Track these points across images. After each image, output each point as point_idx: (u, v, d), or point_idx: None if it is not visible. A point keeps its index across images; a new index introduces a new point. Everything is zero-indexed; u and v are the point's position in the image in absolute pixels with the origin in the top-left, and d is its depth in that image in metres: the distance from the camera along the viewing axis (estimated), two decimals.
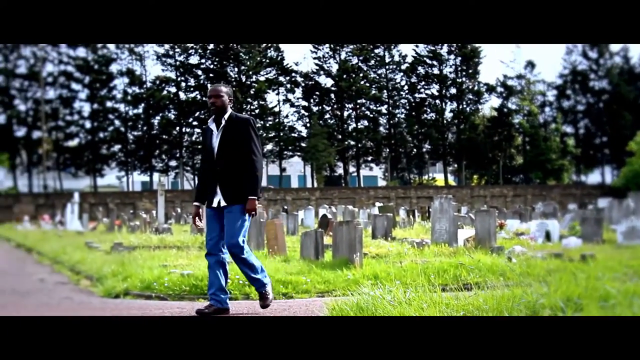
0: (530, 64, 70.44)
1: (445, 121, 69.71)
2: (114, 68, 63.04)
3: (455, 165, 72.20)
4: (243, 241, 7.75)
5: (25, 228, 39.61)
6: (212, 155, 7.79)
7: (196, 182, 9.33)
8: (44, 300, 10.90)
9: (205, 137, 7.99)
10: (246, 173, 7.71)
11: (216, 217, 7.82)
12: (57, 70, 61.89)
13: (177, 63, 63.22)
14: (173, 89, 63.24)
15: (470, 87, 69.05)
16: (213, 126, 7.86)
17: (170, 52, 63.03)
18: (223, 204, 7.73)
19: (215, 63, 64.08)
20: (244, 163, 7.72)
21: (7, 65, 60.12)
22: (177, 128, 63.39)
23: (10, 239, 31.62)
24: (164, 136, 62.02)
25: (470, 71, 68.59)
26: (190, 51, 63.47)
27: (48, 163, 61.20)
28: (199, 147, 43.86)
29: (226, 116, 7.81)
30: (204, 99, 63.57)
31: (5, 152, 61.52)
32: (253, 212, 7.78)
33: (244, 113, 63.01)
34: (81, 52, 61.83)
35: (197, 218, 8.03)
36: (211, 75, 63.95)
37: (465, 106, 69.51)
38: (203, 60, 64.50)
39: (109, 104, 62.72)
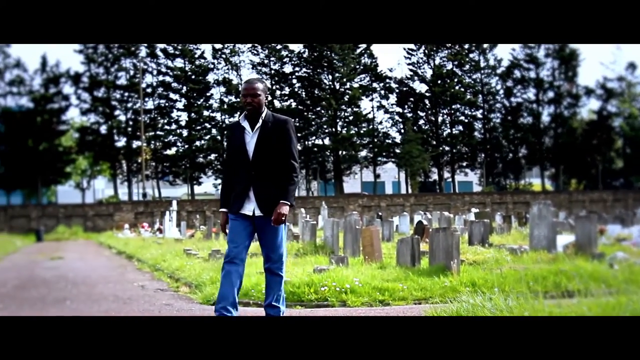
0: (632, 66, 68.68)
1: (542, 125, 68.53)
2: (210, 77, 63.74)
3: (553, 170, 70.91)
4: (285, 255, 7.30)
5: (126, 235, 40.24)
6: (245, 157, 7.12)
7: (221, 186, 7.81)
8: (145, 307, 11.01)
9: (233, 136, 7.28)
10: (284, 179, 7.09)
11: (245, 225, 7.16)
12: (155, 80, 62.98)
13: (272, 72, 63.60)
14: (268, 97, 63.54)
15: (568, 90, 67.69)
16: (246, 125, 7.18)
17: (265, 61, 63.48)
18: (258, 213, 7.10)
19: (310, 71, 64.24)
20: (283, 168, 7.11)
21: (108, 77, 61.39)
22: None
23: (112, 246, 32.17)
24: None
25: (569, 74, 67.24)
26: (284, 60, 63.83)
27: (147, 172, 62.22)
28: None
29: (264, 115, 7.17)
30: (298, 106, 63.98)
31: (107, 161, 62.85)
32: (283, 218, 7.04)
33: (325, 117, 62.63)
34: (179, 62, 62.78)
35: (227, 227, 7.30)
36: (305, 83, 64.17)
37: (563, 110, 68.17)
38: (297, 69, 64.73)
39: (205, 112, 63.40)
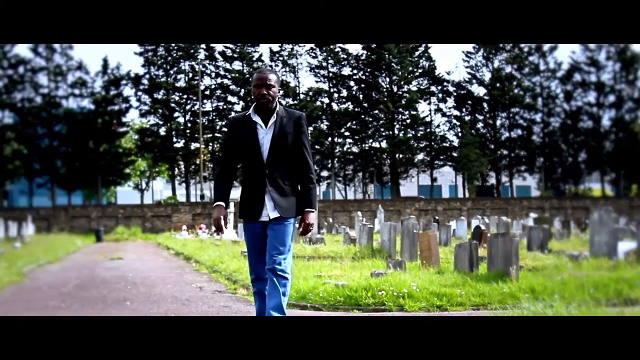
0: None
1: (602, 129, 67.45)
2: None
3: (613, 175, 69.70)
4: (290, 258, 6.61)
5: (184, 237, 40.54)
6: (258, 156, 6.52)
7: (215, 179, 6.93)
8: (204, 308, 11.11)
9: (242, 132, 6.62)
10: (304, 181, 6.63)
11: (262, 233, 6.58)
12: (214, 83, 63.49)
13: (330, 74, 63.66)
14: (326, 100, 63.68)
15: (630, 93, 66.51)
16: (258, 119, 6.57)
17: (323, 64, 63.58)
18: (274, 215, 6.50)
19: (367, 74, 64.18)
20: (301, 168, 6.62)
21: (167, 80, 62.11)
22: (329, 139, 63.78)
23: (170, 247, 32.46)
24: (316, 147, 62.45)
25: (630, 77, 66.09)
26: (342, 62, 63.86)
27: (205, 173, 62.76)
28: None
29: (278, 109, 6.59)
30: (355, 109, 63.90)
31: (165, 162, 63.56)
32: (311, 228, 6.62)
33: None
34: (237, 65, 63.18)
35: (223, 220, 6.52)
36: (363, 85, 64.13)
37: (624, 113, 67.00)
38: (355, 71, 64.71)
39: None
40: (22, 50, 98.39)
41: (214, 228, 7.44)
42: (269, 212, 6.51)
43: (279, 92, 6.62)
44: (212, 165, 63.97)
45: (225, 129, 63.50)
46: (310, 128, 63.46)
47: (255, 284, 6.73)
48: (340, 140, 65.04)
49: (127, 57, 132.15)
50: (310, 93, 63.46)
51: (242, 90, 62.67)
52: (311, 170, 6.64)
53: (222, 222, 6.51)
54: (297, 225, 6.66)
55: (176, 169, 64.66)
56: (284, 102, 63.18)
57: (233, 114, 63.58)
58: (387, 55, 62.73)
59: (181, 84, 62.61)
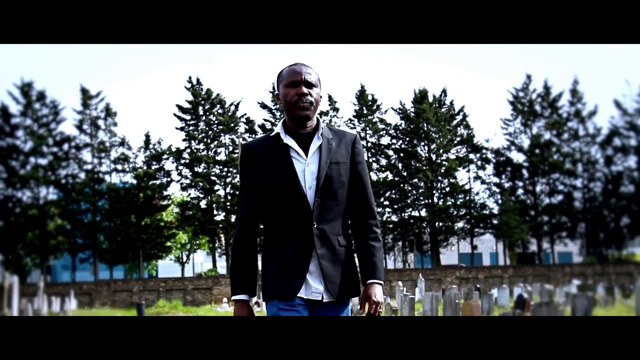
0: None
1: None
2: None
3: None
4: None
5: (224, 309, 40.47)
6: (299, 200, 4.09)
7: (232, 255, 4.25)
8: None
9: (270, 164, 4.16)
10: (366, 235, 4.33)
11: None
12: None
13: (369, 144, 64.08)
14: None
15: None
16: (293, 143, 4.15)
17: (362, 134, 64.09)
18: (328, 298, 4.16)
19: (406, 142, 64.52)
20: (360, 216, 4.34)
21: (208, 153, 62.93)
22: None
23: None
24: None
25: None
26: (381, 132, 64.34)
27: None
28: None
29: (322, 127, 4.23)
30: (395, 178, 64.01)
31: (206, 235, 63.95)
32: (380, 310, 4.19)
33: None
34: None
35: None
36: (402, 155, 64.39)
37: None
38: (394, 141, 65.14)
39: None
40: (68, 127, 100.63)
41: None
42: (316, 288, 4.15)
43: (321, 99, 4.26)
44: None
45: None
46: None
47: None
48: (379, 209, 65.06)
49: (168, 132, 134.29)
50: None
51: None
52: (375, 219, 4.40)
53: None
54: (354, 304, 4.85)
55: (217, 241, 64.92)
56: None
57: None
58: (425, 124, 63.08)
59: (221, 157, 63.32)
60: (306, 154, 4.15)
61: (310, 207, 4.09)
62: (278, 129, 4.22)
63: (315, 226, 4.10)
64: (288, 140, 4.14)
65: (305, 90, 4.13)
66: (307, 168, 4.12)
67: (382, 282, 4.25)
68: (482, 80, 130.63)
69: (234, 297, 4.21)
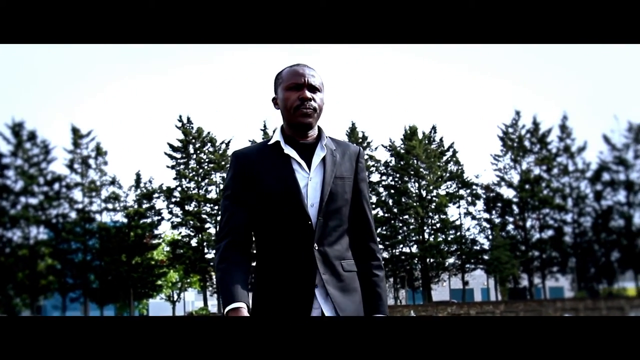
0: None
1: (634, 228, 67.05)
2: None
3: None
4: None
5: None
6: (300, 217, 3.43)
7: (221, 271, 3.34)
8: None
9: (264, 175, 3.49)
10: (368, 262, 3.68)
11: None
12: None
13: None
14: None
15: None
16: (294, 154, 3.51)
17: None
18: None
19: (396, 179, 64.73)
20: (361, 239, 3.67)
21: (199, 192, 62.92)
22: None
23: None
24: None
25: None
26: (371, 169, 64.54)
27: None
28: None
29: (325, 137, 3.60)
30: (385, 215, 64.07)
31: (197, 274, 63.72)
32: None
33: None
34: None
35: None
36: (392, 191, 64.55)
37: None
38: (384, 177, 65.35)
39: None
40: (58, 167, 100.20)
41: None
42: (323, 311, 3.48)
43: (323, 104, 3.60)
44: None
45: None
46: None
47: None
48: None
49: (159, 170, 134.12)
50: None
51: None
52: (376, 243, 3.78)
53: None
54: None
55: (208, 279, 64.68)
56: None
57: None
58: (415, 161, 63.34)
59: (212, 195, 63.31)
60: (308, 167, 3.52)
61: (312, 226, 3.45)
62: (277, 136, 3.59)
63: (317, 248, 3.46)
64: (289, 151, 3.51)
65: (308, 94, 3.51)
66: (310, 183, 3.49)
67: (386, 314, 3.68)
68: (471, 116, 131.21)
69: (228, 307, 3.29)
